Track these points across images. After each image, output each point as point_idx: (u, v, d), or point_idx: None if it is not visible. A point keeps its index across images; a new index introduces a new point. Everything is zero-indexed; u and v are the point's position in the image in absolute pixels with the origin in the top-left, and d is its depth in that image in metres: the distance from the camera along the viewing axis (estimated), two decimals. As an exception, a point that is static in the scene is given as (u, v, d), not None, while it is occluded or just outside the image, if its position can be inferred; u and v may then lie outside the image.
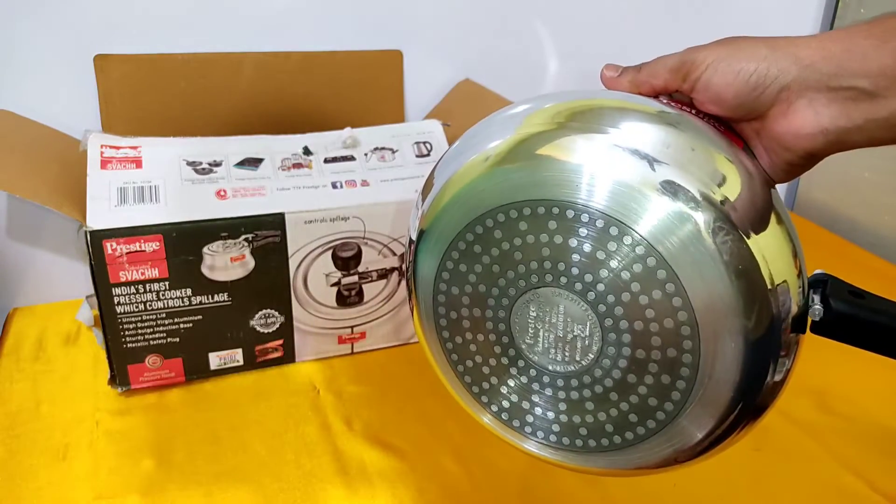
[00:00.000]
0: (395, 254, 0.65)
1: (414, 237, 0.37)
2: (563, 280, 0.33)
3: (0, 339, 0.70)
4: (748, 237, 0.31)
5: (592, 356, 0.34)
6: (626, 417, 0.34)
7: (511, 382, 0.38)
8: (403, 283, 0.66)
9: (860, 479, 0.54)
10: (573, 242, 0.32)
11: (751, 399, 0.33)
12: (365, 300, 0.66)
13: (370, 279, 0.65)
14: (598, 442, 0.36)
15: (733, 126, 0.37)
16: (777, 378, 0.34)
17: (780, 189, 1.12)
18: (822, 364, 0.67)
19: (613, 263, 0.32)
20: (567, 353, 0.35)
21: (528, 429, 0.38)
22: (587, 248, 0.32)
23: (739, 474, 0.54)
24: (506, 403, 0.38)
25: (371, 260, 0.64)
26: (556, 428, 0.37)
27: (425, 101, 0.82)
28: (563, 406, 0.36)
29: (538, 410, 0.37)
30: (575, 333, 0.34)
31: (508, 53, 0.85)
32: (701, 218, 0.30)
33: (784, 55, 0.34)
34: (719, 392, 0.32)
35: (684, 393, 0.32)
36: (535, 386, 0.37)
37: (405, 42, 0.79)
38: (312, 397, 0.62)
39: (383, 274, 0.65)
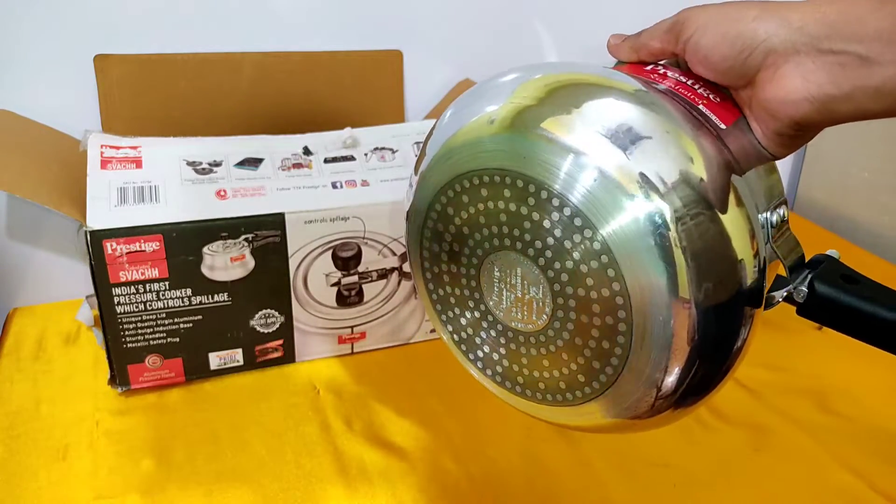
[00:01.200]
0: (394, 254, 0.65)
1: (422, 167, 0.40)
2: (519, 245, 0.36)
3: (0, 338, 0.70)
4: (699, 219, 0.32)
5: (546, 317, 0.37)
6: (576, 377, 0.37)
7: (477, 329, 0.42)
8: (403, 282, 0.66)
9: (860, 479, 0.54)
10: (524, 211, 0.35)
11: (696, 372, 0.34)
12: (365, 300, 0.66)
13: (370, 279, 0.65)
14: (554, 397, 0.39)
15: (733, 94, 0.36)
16: (726, 351, 0.35)
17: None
18: (822, 364, 0.67)
19: (557, 233, 0.34)
20: (525, 314, 0.38)
21: (479, 364, 0.42)
22: (535, 216, 0.35)
23: (739, 474, 0.54)
24: (464, 335, 0.42)
25: (371, 260, 0.64)
26: (519, 380, 0.40)
27: (425, 101, 0.82)
28: (524, 360, 0.39)
29: (497, 357, 0.41)
30: (531, 295, 0.37)
31: (508, 53, 0.85)
32: (646, 205, 0.32)
33: (774, 17, 0.33)
34: (655, 363, 0.34)
35: (621, 359, 0.34)
36: (502, 340, 0.40)
37: (405, 42, 0.79)
38: (312, 397, 0.62)
39: (383, 274, 0.65)
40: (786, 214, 0.36)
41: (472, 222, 0.38)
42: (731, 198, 0.33)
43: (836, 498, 0.53)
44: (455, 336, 0.43)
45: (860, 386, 0.64)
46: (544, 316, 0.37)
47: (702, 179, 0.32)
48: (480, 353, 0.42)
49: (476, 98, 0.39)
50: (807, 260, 0.36)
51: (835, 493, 0.53)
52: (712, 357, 0.34)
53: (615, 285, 0.33)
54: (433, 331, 0.70)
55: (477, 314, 0.41)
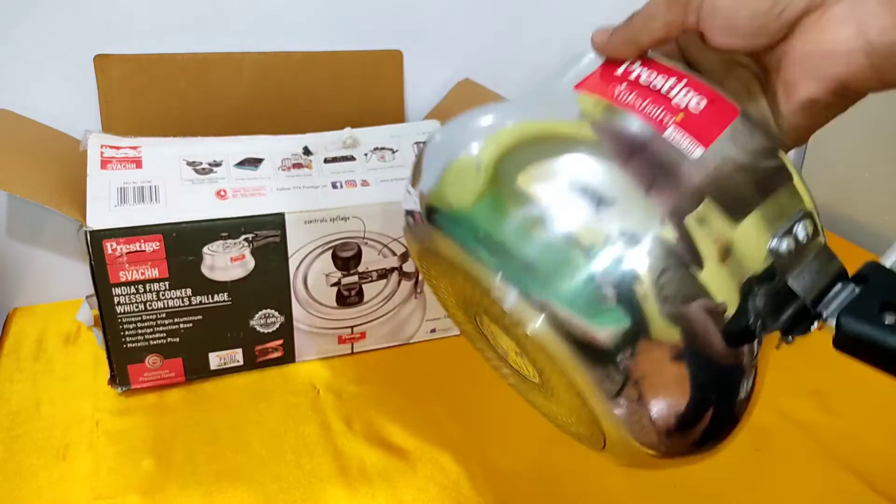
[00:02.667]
0: (395, 254, 0.65)
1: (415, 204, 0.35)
2: (482, 311, 0.34)
3: (0, 338, 0.70)
4: (667, 275, 0.28)
5: (537, 374, 0.35)
6: (581, 429, 0.36)
7: (500, 366, 0.42)
8: (403, 282, 0.66)
9: (860, 479, 0.54)
10: (474, 287, 0.32)
11: (693, 426, 0.32)
12: (365, 300, 0.66)
13: (370, 279, 0.65)
14: (580, 440, 0.39)
15: (752, 59, 0.30)
16: (723, 398, 0.32)
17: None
18: (822, 364, 0.67)
19: (506, 306, 0.30)
20: (523, 367, 0.36)
21: (515, 389, 0.43)
22: (484, 292, 0.31)
23: (739, 474, 0.54)
24: (494, 365, 0.42)
25: (371, 260, 0.64)
26: (548, 415, 0.40)
27: (425, 101, 0.82)
28: (544, 403, 0.39)
29: (524, 391, 0.41)
30: (518, 352, 0.35)
31: (508, 53, 0.85)
32: (603, 267, 0.27)
33: None
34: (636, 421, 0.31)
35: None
36: (522, 383, 0.40)
37: (405, 42, 0.79)
38: (312, 397, 0.62)
39: (383, 274, 0.65)
40: (809, 231, 0.29)
41: (449, 283, 0.35)
42: (708, 250, 0.28)
43: (836, 498, 0.53)
44: (489, 363, 0.42)
45: (860, 386, 0.64)
46: (535, 372, 0.34)
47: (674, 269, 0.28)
48: (511, 382, 0.41)
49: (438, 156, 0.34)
50: (852, 274, 0.30)
51: (835, 493, 0.53)
52: (704, 408, 0.31)
53: (572, 350, 0.29)
54: (433, 331, 0.70)
55: (494, 354, 0.39)
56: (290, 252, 0.61)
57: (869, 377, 0.65)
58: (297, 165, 0.64)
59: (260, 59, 0.73)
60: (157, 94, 0.70)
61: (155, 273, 0.57)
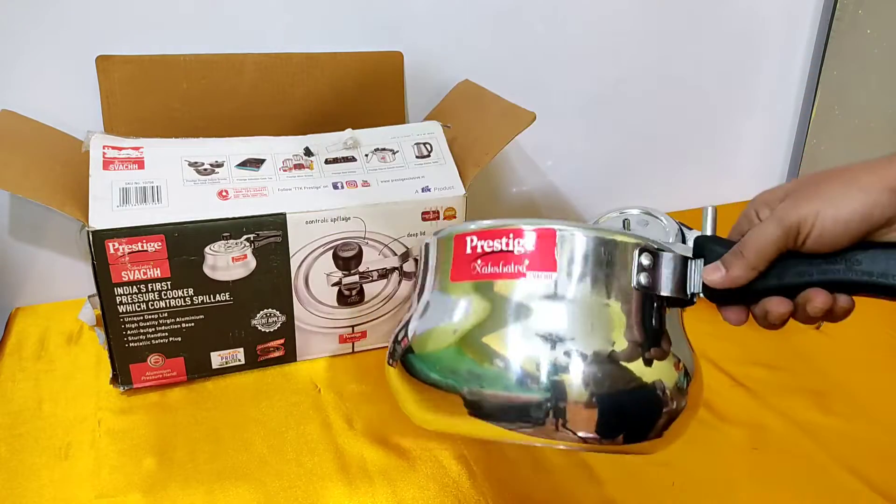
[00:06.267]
0: (395, 254, 0.65)
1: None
2: None
3: (2, 338, 0.70)
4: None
5: None
6: None
7: None
8: (404, 282, 0.66)
9: (858, 478, 0.54)
10: None
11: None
12: (366, 300, 0.66)
13: (371, 279, 0.65)
14: None
15: None
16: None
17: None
18: (821, 363, 0.67)
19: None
20: None
21: None
22: None
23: (739, 474, 0.55)
24: None
25: (372, 260, 0.64)
26: None
27: (425, 101, 0.82)
28: None
29: None
30: None
31: (508, 54, 0.85)
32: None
33: (877, 189, 0.34)
34: None
35: None
36: None
37: (405, 43, 0.79)
38: (313, 396, 0.62)
39: (384, 274, 0.65)
40: (650, 257, 0.38)
41: None
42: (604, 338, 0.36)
43: (835, 497, 0.53)
44: None
45: (859, 385, 0.64)
46: None
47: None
48: None
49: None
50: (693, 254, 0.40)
51: (833, 492, 0.53)
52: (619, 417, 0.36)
53: None
54: (433, 330, 0.70)
55: None
56: (291, 252, 0.61)
57: (868, 377, 0.65)
58: (299, 166, 0.64)
59: (261, 60, 0.73)
60: (159, 95, 0.70)
61: (157, 273, 0.58)
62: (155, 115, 0.70)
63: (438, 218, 0.65)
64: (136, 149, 0.62)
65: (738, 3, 0.94)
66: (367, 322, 0.67)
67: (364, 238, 0.63)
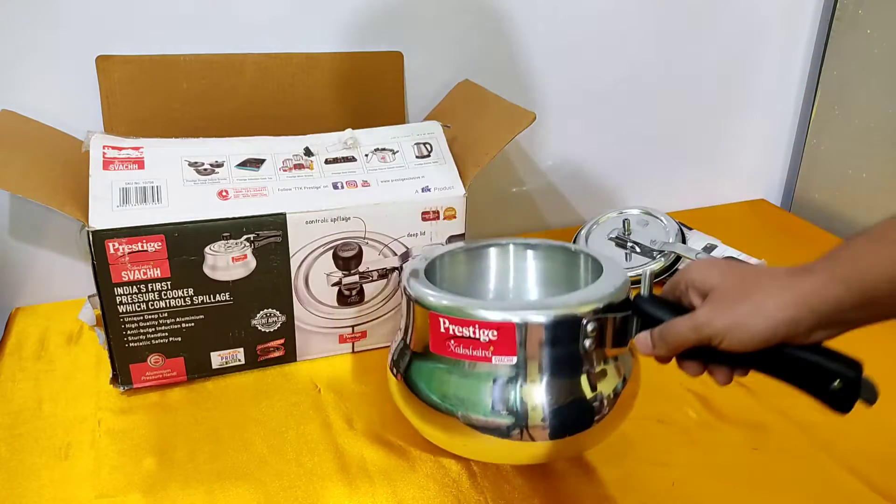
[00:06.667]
0: (395, 254, 0.65)
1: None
2: None
3: (2, 338, 0.70)
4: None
5: None
6: None
7: None
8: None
9: (858, 477, 0.54)
10: None
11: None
12: (366, 300, 0.66)
13: (371, 279, 0.65)
14: None
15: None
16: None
17: (777, 191, 1.12)
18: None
19: None
20: None
21: None
22: None
23: (739, 474, 0.55)
24: None
25: (372, 260, 0.64)
26: None
27: (425, 101, 0.82)
28: None
29: None
30: None
31: (508, 54, 0.85)
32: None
33: (787, 307, 0.38)
34: None
35: None
36: None
37: (405, 43, 0.79)
38: (313, 396, 0.62)
39: (384, 274, 0.65)
40: (594, 325, 0.46)
41: None
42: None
43: (834, 497, 0.53)
44: None
45: (859, 385, 0.64)
46: None
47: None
48: None
49: None
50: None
51: (832, 492, 0.53)
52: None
53: None
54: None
55: None
56: (291, 252, 0.61)
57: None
58: (299, 166, 0.64)
59: (261, 60, 0.73)
60: (159, 95, 0.70)
61: (157, 273, 0.58)
62: (155, 115, 0.71)
63: (438, 218, 0.65)
64: (136, 149, 0.62)
65: (738, 3, 0.94)
66: (367, 322, 0.67)
67: (364, 238, 0.63)
